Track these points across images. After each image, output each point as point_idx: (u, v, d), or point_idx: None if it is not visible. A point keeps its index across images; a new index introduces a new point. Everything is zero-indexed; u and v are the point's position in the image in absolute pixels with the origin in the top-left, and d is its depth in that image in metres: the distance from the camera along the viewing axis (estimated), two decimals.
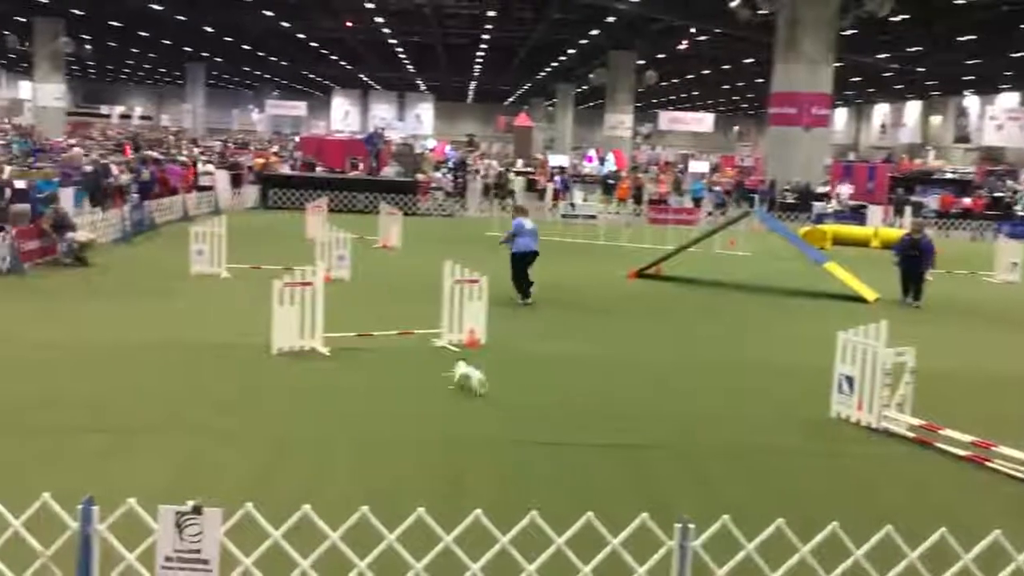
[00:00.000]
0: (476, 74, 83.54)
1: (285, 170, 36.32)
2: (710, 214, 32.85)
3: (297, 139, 59.80)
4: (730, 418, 9.30)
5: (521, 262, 15.09)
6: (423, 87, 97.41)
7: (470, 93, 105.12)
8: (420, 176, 35.23)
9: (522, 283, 15.08)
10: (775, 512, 5.39)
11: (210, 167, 33.41)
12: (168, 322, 12.60)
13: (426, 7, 49.98)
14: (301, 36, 63.61)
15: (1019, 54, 52.14)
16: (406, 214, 24.80)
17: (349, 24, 55.67)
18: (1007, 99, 70.10)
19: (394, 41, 64.68)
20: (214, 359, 10.63)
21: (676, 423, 9.04)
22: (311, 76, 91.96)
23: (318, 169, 35.93)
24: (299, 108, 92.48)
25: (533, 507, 5.02)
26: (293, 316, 10.89)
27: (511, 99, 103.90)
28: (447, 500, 6.62)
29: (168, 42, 68.00)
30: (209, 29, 61.19)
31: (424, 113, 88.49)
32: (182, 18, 55.11)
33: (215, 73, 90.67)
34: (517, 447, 8.09)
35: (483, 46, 64.30)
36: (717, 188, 36.77)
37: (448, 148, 61.52)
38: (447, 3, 49.88)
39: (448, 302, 11.61)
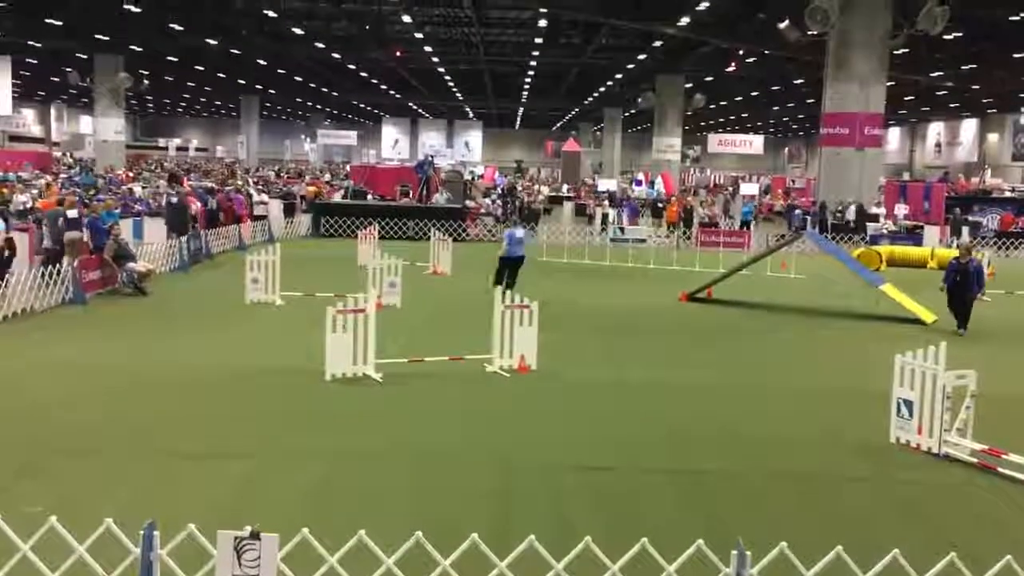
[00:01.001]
0: (524, 100, 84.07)
1: (337, 198, 36.82)
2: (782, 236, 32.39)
3: (348, 168, 60.70)
4: (786, 443, 9.17)
5: (506, 265, 18.15)
6: (471, 114, 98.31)
7: (518, 119, 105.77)
8: (469, 203, 35.44)
9: (500, 278, 17.63)
10: (833, 539, 5.30)
11: (264, 196, 34.01)
12: (224, 349, 12.81)
13: (474, 35, 50.52)
14: (351, 66, 64.67)
15: None
16: (456, 240, 24.96)
17: (399, 54, 56.46)
18: None
19: (442, 69, 65.42)
20: (268, 386, 10.78)
21: (731, 448, 8.93)
22: (361, 105, 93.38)
23: (369, 197, 36.38)
24: (350, 137, 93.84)
25: (587, 533, 5.00)
26: (346, 342, 11.01)
27: (559, 124, 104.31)
28: (501, 526, 6.62)
29: (222, 75, 69.58)
30: (262, 62, 62.53)
31: (473, 140, 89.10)
32: (236, 52, 56.41)
33: (268, 104, 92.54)
34: (570, 472, 8.06)
35: (531, 72, 64.71)
36: (798, 210, 36.00)
37: (497, 174, 61.89)
38: (494, 31, 50.36)
39: (499, 327, 11.65)
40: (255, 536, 4.44)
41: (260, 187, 40.32)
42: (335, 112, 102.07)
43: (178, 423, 9.19)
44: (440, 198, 34.57)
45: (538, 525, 6.63)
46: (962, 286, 15.51)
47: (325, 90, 79.42)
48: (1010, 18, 37.71)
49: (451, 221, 30.33)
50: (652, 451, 8.79)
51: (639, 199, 46.99)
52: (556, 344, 12.73)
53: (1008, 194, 50.32)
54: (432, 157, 42.61)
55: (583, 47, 52.90)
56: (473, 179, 52.60)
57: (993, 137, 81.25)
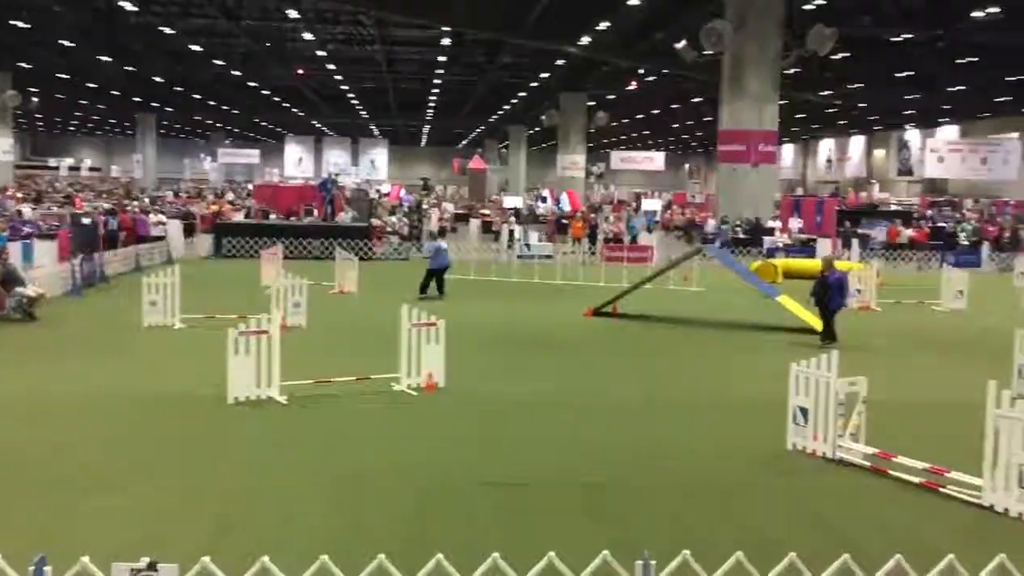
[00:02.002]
0: (429, 118, 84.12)
1: (239, 218, 36.11)
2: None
3: (250, 187, 59.61)
4: (689, 453, 9.38)
5: (434, 274, 21.05)
6: (376, 132, 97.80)
7: (424, 137, 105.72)
8: (375, 221, 35.23)
9: (426, 286, 20.94)
10: (735, 546, 5.45)
11: (162, 217, 33.14)
12: (121, 375, 12.41)
13: (378, 54, 50.36)
14: (253, 84, 63.65)
15: (955, 88, 53.82)
16: (362, 259, 24.76)
17: (301, 72, 55.85)
18: (946, 132, 72.12)
19: (346, 87, 64.98)
20: (168, 411, 10.48)
21: (637, 460, 9.09)
22: (263, 123, 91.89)
23: (272, 216, 35.81)
24: (252, 156, 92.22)
25: (497, 549, 5.02)
26: (249, 365, 10.80)
27: (465, 142, 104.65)
28: (410, 545, 6.59)
29: (117, 93, 67.60)
30: (158, 79, 60.99)
31: (378, 158, 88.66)
32: (131, 69, 54.91)
33: (166, 122, 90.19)
34: (480, 489, 8.08)
35: (435, 90, 64.84)
36: (726, 226, 36.77)
37: (403, 192, 61.67)
38: (398, 49, 50.30)
39: (405, 346, 11.60)
40: (152, 567, 4.31)
41: (157, 207, 39.26)
42: (236, 130, 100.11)
43: (72, 453, 8.85)
44: (345, 216, 34.27)
45: (449, 543, 6.62)
46: (823, 298, 15.97)
47: (226, 108, 77.93)
48: (891, 39, 39.58)
49: (357, 240, 30.09)
50: (562, 466, 8.87)
51: (543, 216, 47.46)
52: (464, 361, 12.74)
53: (894, 207, 52.61)
54: (336, 175, 42.24)
55: (487, 65, 53.32)
56: (379, 197, 52.31)
57: (880, 153, 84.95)
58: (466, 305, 19.96)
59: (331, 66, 54.47)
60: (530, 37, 42.14)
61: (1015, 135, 63.10)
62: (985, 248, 34.95)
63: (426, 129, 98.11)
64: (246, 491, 7.89)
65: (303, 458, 8.90)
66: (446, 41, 45.36)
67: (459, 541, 6.77)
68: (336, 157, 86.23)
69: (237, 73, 57.08)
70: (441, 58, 50.90)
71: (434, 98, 68.92)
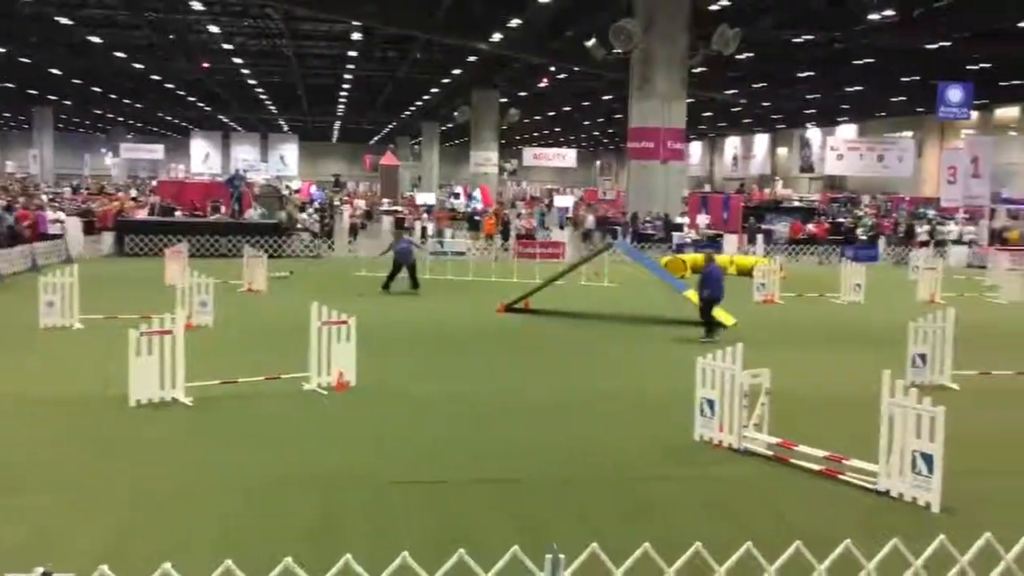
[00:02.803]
0: (340, 114, 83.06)
1: (142, 215, 35.06)
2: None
3: (155, 183, 57.95)
4: (601, 447, 9.49)
5: (400, 267, 21.50)
6: (286, 128, 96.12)
7: (335, 133, 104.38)
8: (281, 214, 34.61)
9: (390, 281, 21.45)
10: (643, 537, 5.53)
11: (60, 214, 31.92)
12: (16, 378, 11.92)
13: (287, 48, 49.48)
14: (156, 78, 61.81)
15: (853, 88, 55.73)
16: (271, 256, 24.30)
17: (206, 65, 54.47)
18: (845, 130, 74.64)
19: (254, 82, 63.66)
20: (67, 414, 10.12)
21: (549, 455, 9.15)
22: (168, 118, 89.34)
23: (177, 213, 34.87)
24: (156, 151, 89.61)
25: (406, 547, 5.00)
26: (152, 366, 10.50)
27: (377, 138, 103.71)
28: (319, 547, 6.51)
29: (11, 85, 64.83)
30: (55, 71, 58.70)
31: (288, 154, 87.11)
32: (25, 60, 52.73)
33: (64, 116, 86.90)
34: (391, 488, 8.02)
35: (346, 86, 64.05)
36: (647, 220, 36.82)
37: (314, 189, 60.76)
38: (307, 43, 49.51)
39: (316, 344, 11.44)
40: None
41: (55, 204, 37.83)
42: (140, 125, 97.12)
43: None
44: (254, 213, 33.61)
45: (359, 544, 6.57)
46: (701, 291, 16.22)
47: (128, 102, 75.51)
48: (793, 40, 40.73)
49: (266, 237, 29.55)
50: (475, 463, 8.87)
51: (457, 212, 47.41)
52: (376, 359, 12.63)
53: (797, 203, 54.19)
54: (245, 171, 41.38)
55: (398, 61, 52.92)
56: (289, 194, 51.43)
57: (783, 151, 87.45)
58: (378, 302, 19.80)
59: (238, 60, 53.27)
60: (441, 33, 42.01)
61: (909, 134, 65.74)
62: (882, 242, 36.30)
63: (337, 125, 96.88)
64: (148, 495, 7.66)
65: (208, 460, 8.70)
66: (356, 36, 44.85)
67: (370, 541, 6.72)
68: (245, 153, 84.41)
69: (139, 66, 55.35)
70: (352, 53, 50.31)
71: (345, 93, 68.08)
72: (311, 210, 41.06)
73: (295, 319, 13.25)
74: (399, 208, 51.60)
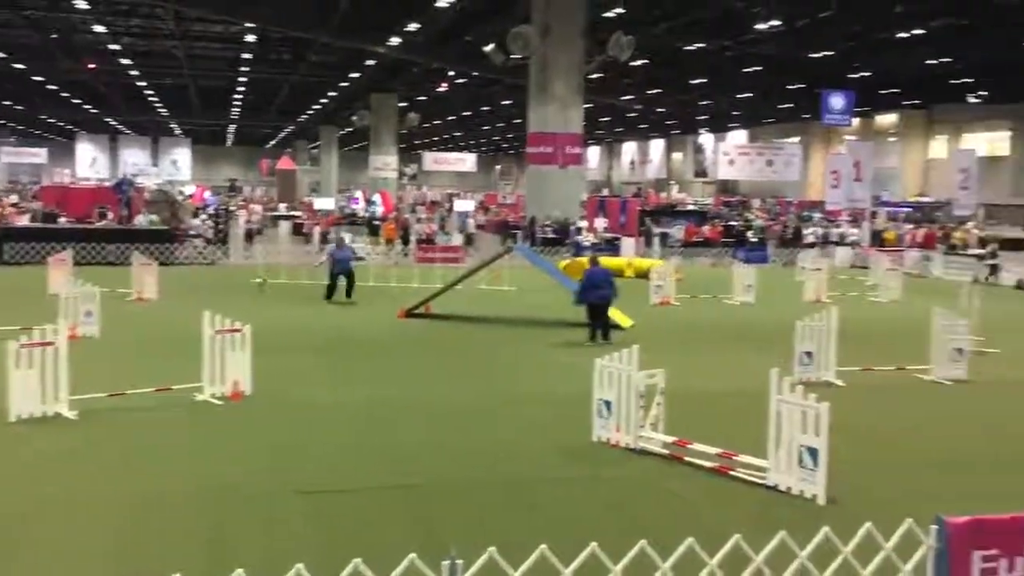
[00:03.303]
0: (235, 117, 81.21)
1: (24, 222, 33.57)
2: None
3: (37, 188, 55.55)
4: (501, 450, 9.53)
5: (338, 275, 21.06)
6: (178, 131, 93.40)
7: (229, 137, 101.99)
8: (177, 223, 33.65)
9: (331, 289, 21.05)
10: (542, 539, 5.57)
11: None
12: None
13: (177, 49, 48.12)
14: (38, 78, 59.25)
15: (743, 95, 57.50)
16: (162, 264, 23.59)
17: (92, 66, 52.49)
18: (736, 136, 76.95)
19: (143, 84, 61.70)
20: None
21: (451, 460, 9.15)
22: (51, 121, 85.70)
23: (61, 220, 33.51)
24: (39, 155, 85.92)
25: (303, 559, 4.92)
26: (33, 379, 10.05)
27: (274, 142, 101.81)
28: (212, 560, 6.35)
29: None
30: None
31: (181, 158, 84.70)
32: None
33: None
34: (288, 499, 7.88)
35: (241, 89, 62.67)
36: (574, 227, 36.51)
37: (208, 194, 59.22)
38: (199, 45, 48.26)
39: (209, 354, 11.15)
40: None
41: None
42: (21, 127, 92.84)
43: None
44: (143, 220, 32.57)
45: (254, 557, 6.44)
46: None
47: (8, 103, 72.12)
48: (686, 47, 41.79)
49: (157, 244, 28.65)
50: (375, 469, 8.79)
51: (358, 217, 46.86)
52: (272, 367, 12.40)
53: (691, 207, 55.57)
54: (134, 176, 40.06)
55: (294, 64, 52.10)
56: (182, 199, 49.98)
57: (678, 155, 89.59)
58: (276, 309, 19.44)
59: (126, 61, 51.52)
60: (337, 36, 41.55)
61: (796, 139, 68.19)
62: (771, 244, 37.50)
63: (232, 128, 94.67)
64: (27, 515, 7.33)
65: (95, 475, 8.38)
66: (250, 38, 43.95)
67: (265, 554, 6.58)
68: (134, 157, 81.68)
69: (20, 66, 52.97)
70: (246, 55, 49.28)
71: (239, 96, 66.59)
72: (204, 216, 40.00)
73: (187, 328, 12.88)
74: (297, 213, 50.77)
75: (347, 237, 35.22)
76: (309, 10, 38.33)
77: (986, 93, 53.80)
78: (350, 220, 45.73)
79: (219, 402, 11.04)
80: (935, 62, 44.14)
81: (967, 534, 5.40)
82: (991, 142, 58.68)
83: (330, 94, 63.31)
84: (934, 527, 5.34)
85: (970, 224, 38.87)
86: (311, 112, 73.63)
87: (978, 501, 7.50)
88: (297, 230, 42.82)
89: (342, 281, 21.13)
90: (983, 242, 34.51)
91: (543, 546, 5.09)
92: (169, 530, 7.10)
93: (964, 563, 5.40)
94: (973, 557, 5.42)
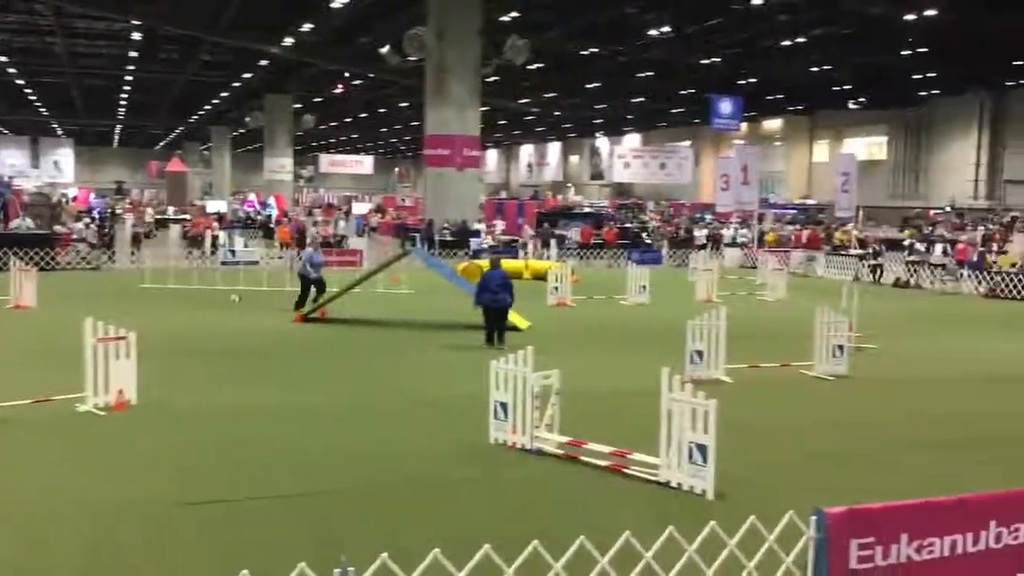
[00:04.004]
0: (121, 117, 78.43)
1: None
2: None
3: None
4: (400, 454, 9.47)
5: (310, 287, 19.70)
6: (60, 131, 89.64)
7: (116, 138, 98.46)
8: (59, 228, 32.31)
9: (302, 301, 19.50)
10: (438, 543, 5.57)
11: None
12: None
13: (58, 46, 46.18)
14: None
15: (637, 99, 58.66)
16: (42, 270, 22.61)
17: None
18: (631, 139, 78.44)
19: (22, 82, 59.00)
20: None
21: (346, 464, 9.04)
22: None
23: None
24: None
25: (190, 573, 4.79)
26: None
27: (163, 143, 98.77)
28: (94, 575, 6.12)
29: None
30: None
31: (63, 159, 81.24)
32: None
33: None
34: (176, 511, 7.65)
35: (127, 88, 60.58)
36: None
37: (93, 196, 57.07)
38: (82, 42, 46.44)
39: (91, 362, 10.73)
40: None
41: None
42: None
43: None
44: (21, 223, 31.16)
45: (136, 571, 6.23)
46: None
47: None
48: (581, 52, 42.39)
49: (37, 248, 27.43)
50: (271, 478, 8.61)
51: (251, 220, 45.87)
52: (161, 375, 12.03)
53: (587, 209, 56.38)
54: (11, 179, 38.28)
55: (184, 63, 50.68)
56: (64, 202, 48.04)
57: (575, 158, 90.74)
58: (166, 315, 18.87)
59: (3, 58, 49.21)
60: (228, 36, 40.62)
61: (688, 143, 69.96)
62: (665, 246, 38.36)
63: (118, 129, 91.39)
64: None
65: None
66: (137, 36, 42.52)
67: (153, 570, 6.38)
68: (12, 158, 77.97)
69: None
70: (132, 54, 47.67)
71: (126, 96, 64.35)
72: (88, 219, 38.53)
73: (69, 337, 12.38)
74: (187, 217, 49.42)
75: (239, 241, 34.53)
76: (199, 8, 37.35)
77: (864, 100, 56.29)
78: (243, 224, 44.76)
79: (103, 412, 10.64)
80: (817, 69, 45.95)
81: (845, 524, 5.64)
82: (869, 146, 61.46)
83: (222, 94, 61.83)
84: (813, 518, 5.56)
85: (850, 225, 40.56)
86: (202, 113, 71.73)
87: (856, 492, 7.83)
88: (185, 234, 41.66)
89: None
90: (862, 243, 36.10)
91: (436, 551, 5.08)
92: (51, 548, 6.80)
93: (842, 552, 5.63)
94: (851, 545, 5.66)
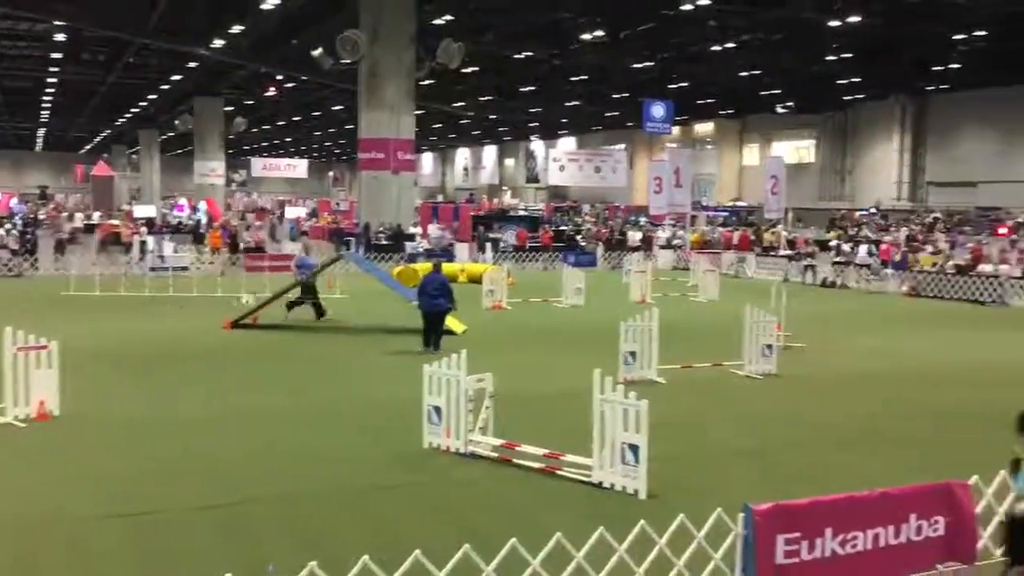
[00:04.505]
0: (45, 120, 76.17)
1: None
2: None
3: None
4: (331, 459, 9.37)
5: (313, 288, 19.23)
6: None
7: (39, 141, 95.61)
8: None
9: (317, 307, 19.30)
10: (369, 549, 5.52)
11: None
12: None
13: None
14: None
15: (571, 103, 59.02)
16: None
17: None
18: (566, 143, 78.87)
19: None
20: None
21: (275, 473, 8.90)
22: None
23: None
24: None
25: None
26: None
27: (89, 147, 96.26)
28: None
29: None
30: None
31: None
32: None
33: None
34: (102, 523, 7.44)
35: (50, 90, 58.86)
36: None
37: (14, 202, 55.38)
38: (4, 43, 45.02)
39: (11, 373, 10.39)
40: None
41: None
42: None
43: None
44: None
45: None
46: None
47: None
48: (515, 56, 42.50)
49: None
50: (197, 488, 8.43)
51: (182, 225, 44.91)
52: (84, 385, 11.72)
53: (523, 213, 56.52)
54: None
55: (110, 65, 49.46)
56: None
57: (510, 162, 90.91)
58: (91, 323, 18.39)
59: None
60: (155, 37, 39.76)
61: (622, 146, 70.64)
62: (599, 248, 38.65)
63: (41, 132, 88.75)
64: None
65: None
66: (60, 36, 41.34)
67: None
68: None
69: None
70: (55, 55, 46.32)
71: (49, 98, 62.51)
72: (9, 225, 37.38)
73: None
74: (115, 222, 48.19)
75: (169, 247, 33.84)
76: (124, 9, 36.50)
77: (792, 104, 57.49)
78: (173, 229, 43.84)
79: (23, 424, 10.32)
80: (747, 74, 46.77)
81: (771, 519, 5.74)
82: (798, 150, 62.78)
83: (150, 97, 60.49)
84: (741, 515, 5.65)
85: (779, 227, 41.36)
86: (130, 116, 70.05)
87: (784, 488, 7.98)
88: (115, 239, 40.61)
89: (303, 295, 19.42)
90: (791, 244, 36.86)
91: (365, 557, 5.04)
92: None
93: (769, 547, 5.73)
94: (777, 540, 5.77)
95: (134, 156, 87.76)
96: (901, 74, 46.54)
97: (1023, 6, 31.46)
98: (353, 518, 7.71)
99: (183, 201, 62.07)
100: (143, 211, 52.57)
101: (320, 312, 19.48)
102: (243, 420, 10.99)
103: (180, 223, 48.66)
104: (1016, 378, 14.20)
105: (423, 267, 29.18)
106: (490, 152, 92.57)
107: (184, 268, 29.98)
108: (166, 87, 55.43)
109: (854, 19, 33.07)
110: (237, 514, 7.75)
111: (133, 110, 66.92)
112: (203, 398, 12.21)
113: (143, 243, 34.32)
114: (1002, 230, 41.73)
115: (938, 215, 49.86)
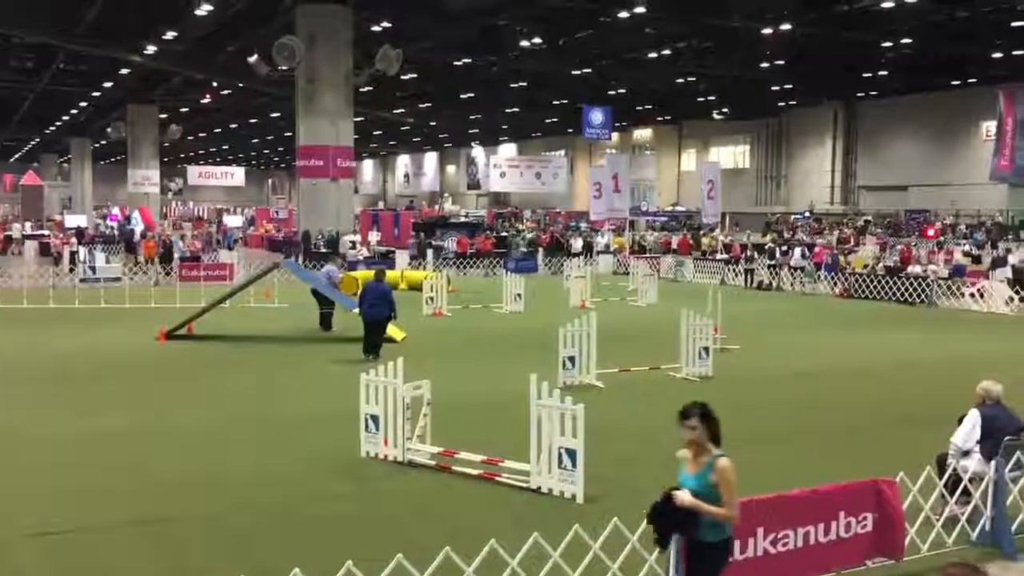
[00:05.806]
0: None
1: None
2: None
3: None
4: (265, 474, 9.21)
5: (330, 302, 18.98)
6: None
7: None
8: None
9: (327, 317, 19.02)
10: (300, 561, 5.44)
11: None
12: None
13: None
14: None
15: (511, 110, 59.21)
16: None
17: None
18: (506, 149, 79.11)
19: None
20: None
21: (209, 488, 8.72)
22: None
23: None
24: None
25: None
26: None
27: (18, 156, 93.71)
28: None
29: None
30: None
31: None
32: None
33: None
34: (22, 543, 7.22)
35: None
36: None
37: None
38: None
39: None
40: None
41: None
42: None
43: None
44: None
45: None
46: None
47: None
48: (454, 63, 42.48)
49: None
50: (125, 505, 8.21)
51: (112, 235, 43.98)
52: (10, 400, 11.37)
53: (464, 219, 56.49)
54: None
55: (38, 72, 48.24)
56: None
57: (452, 168, 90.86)
58: (17, 336, 17.87)
59: None
60: (86, 43, 38.86)
61: (562, 152, 71.05)
62: (540, 254, 38.79)
63: None
64: None
65: None
66: None
67: None
68: None
69: None
70: None
71: None
72: None
73: None
74: (45, 232, 47.08)
75: (100, 257, 33.09)
76: (52, 14, 35.62)
77: (728, 110, 58.43)
78: (105, 239, 42.90)
79: None
80: (683, 81, 47.41)
81: None
82: (734, 155, 63.84)
83: (81, 104, 59.12)
84: None
85: (716, 231, 41.99)
86: (60, 123, 68.39)
87: None
88: (45, 250, 39.66)
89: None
90: (728, 248, 37.41)
91: (296, 570, 4.96)
92: None
93: None
94: None
95: (65, 165, 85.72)
96: (833, 81, 47.62)
97: (944, 15, 32.53)
98: (286, 531, 7.59)
99: (116, 210, 60.78)
100: (75, 221, 51.39)
101: (327, 325, 19.06)
102: (170, 435, 10.74)
103: (112, 233, 47.67)
104: (942, 377, 14.59)
105: (363, 275, 29.01)
106: (431, 159, 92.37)
107: (116, 279, 29.33)
108: (98, 94, 54.24)
109: (786, 27, 33.75)
110: (168, 530, 7.58)
111: (64, 118, 65.37)
112: (131, 413, 11.91)
113: (73, 254, 33.51)
114: (930, 232, 42.94)
115: (869, 218, 51.09)
